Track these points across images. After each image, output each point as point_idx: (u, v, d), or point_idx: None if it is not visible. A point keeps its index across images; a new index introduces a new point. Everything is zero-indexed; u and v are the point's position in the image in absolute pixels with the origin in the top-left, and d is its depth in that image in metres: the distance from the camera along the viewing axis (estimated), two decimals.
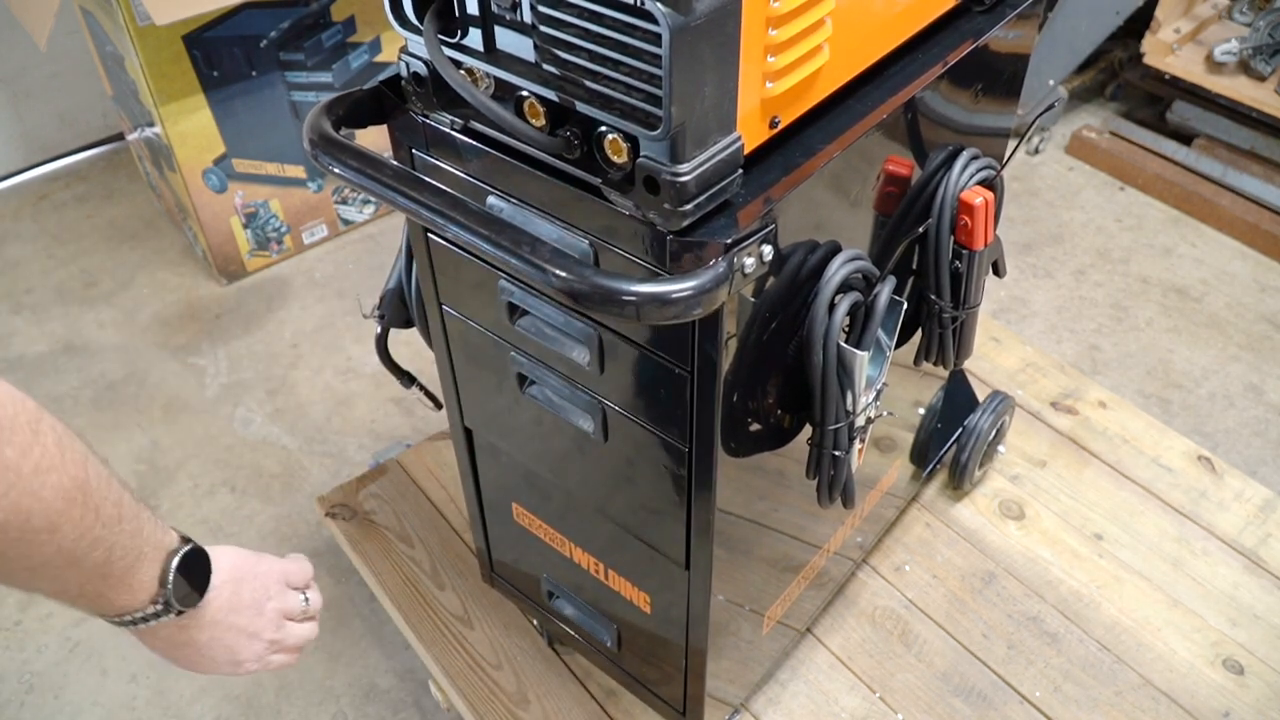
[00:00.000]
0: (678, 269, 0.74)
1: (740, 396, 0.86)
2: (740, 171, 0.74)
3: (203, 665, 0.79)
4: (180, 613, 0.73)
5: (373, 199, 2.20)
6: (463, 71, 0.78)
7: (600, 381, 0.92)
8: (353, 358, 2.18)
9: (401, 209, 0.78)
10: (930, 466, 1.51)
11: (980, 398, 1.54)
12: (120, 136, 2.78)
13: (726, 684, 1.21)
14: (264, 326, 2.28)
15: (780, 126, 0.78)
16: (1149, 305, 2.29)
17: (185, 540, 0.75)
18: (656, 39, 0.63)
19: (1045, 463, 1.63)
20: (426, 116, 0.87)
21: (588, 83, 0.70)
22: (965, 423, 1.51)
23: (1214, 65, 2.48)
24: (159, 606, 0.71)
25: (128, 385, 2.14)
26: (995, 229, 1.04)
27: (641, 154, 0.70)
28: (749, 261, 0.73)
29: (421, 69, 0.81)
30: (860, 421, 0.95)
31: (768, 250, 0.75)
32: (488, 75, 0.77)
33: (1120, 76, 2.89)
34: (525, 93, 0.75)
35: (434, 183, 0.78)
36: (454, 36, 0.77)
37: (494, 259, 0.73)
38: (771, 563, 1.13)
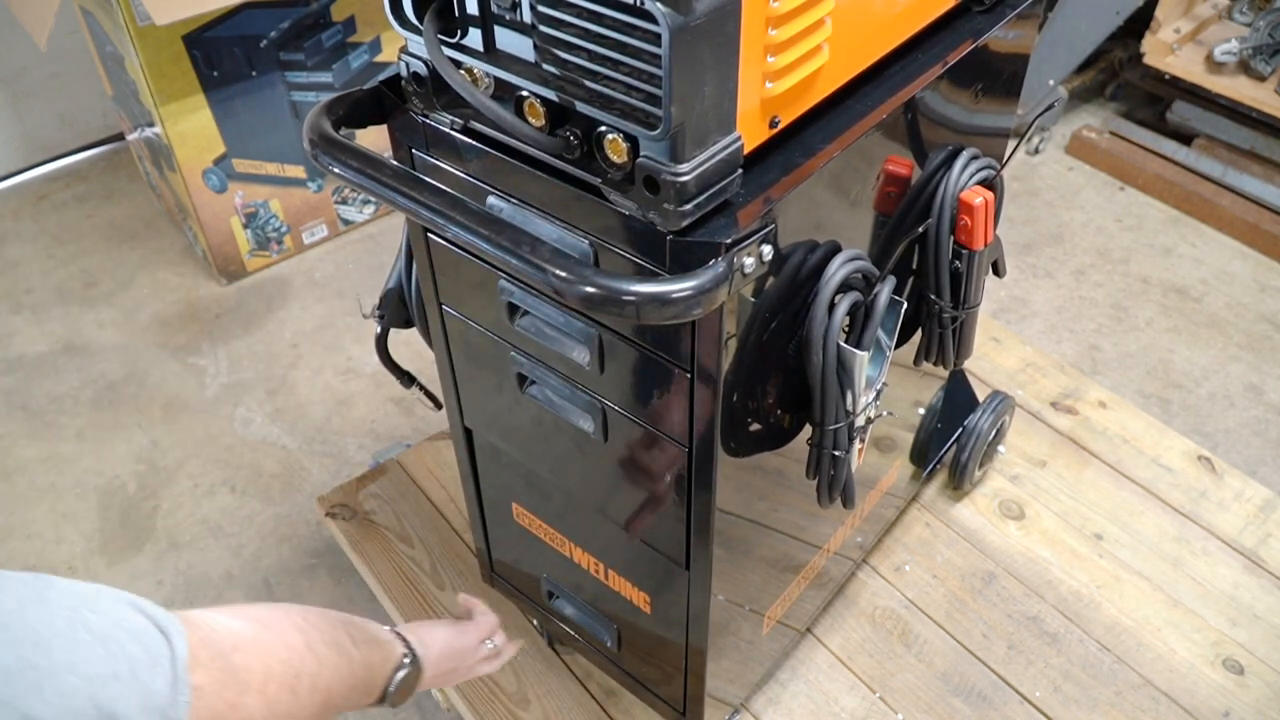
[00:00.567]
0: (677, 269, 0.74)
1: (740, 396, 0.86)
2: (740, 171, 0.74)
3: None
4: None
5: (373, 199, 2.21)
6: (462, 71, 0.78)
7: (600, 381, 0.92)
8: (353, 358, 2.18)
9: (401, 209, 0.78)
10: (930, 466, 1.51)
11: (980, 398, 1.54)
12: (120, 136, 2.78)
13: (726, 684, 1.21)
14: (264, 326, 2.28)
15: (780, 126, 0.78)
16: (1149, 305, 2.29)
17: (405, 655, 0.93)
18: (656, 39, 0.63)
19: (1045, 463, 1.63)
20: (426, 116, 0.87)
21: (588, 83, 0.70)
22: (965, 423, 1.51)
23: (1214, 65, 2.48)
24: (383, 703, 0.93)
25: (128, 385, 2.14)
26: (995, 229, 1.04)
27: (641, 154, 0.70)
28: (749, 261, 0.73)
29: (421, 69, 0.81)
30: (860, 421, 0.95)
31: (767, 250, 0.75)
32: (487, 75, 0.77)
33: (1120, 76, 2.89)
34: (525, 93, 0.75)
35: (434, 183, 0.78)
36: (454, 36, 0.77)
37: (494, 259, 0.73)
38: (771, 563, 1.13)
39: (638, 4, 0.63)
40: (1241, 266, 2.41)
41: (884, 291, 0.90)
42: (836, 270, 0.86)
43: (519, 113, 0.77)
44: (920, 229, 1.02)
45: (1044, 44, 2.59)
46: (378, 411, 2.06)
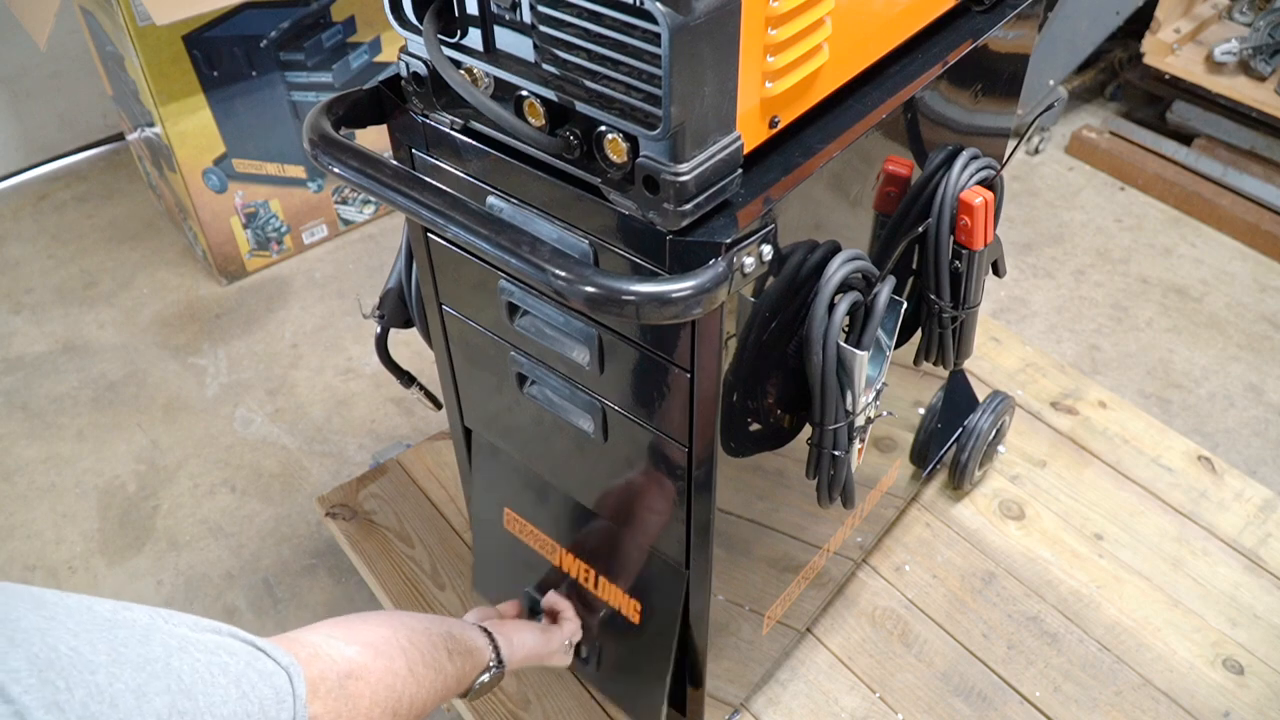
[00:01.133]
0: (677, 269, 0.74)
1: (740, 396, 0.86)
2: (740, 171, 0.74)
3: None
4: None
5: (373, 199, 2.20)
6: (462, 71, 0.78)
7: (600, 381, 0.92)
8: (353, 358, 2.18)
9: (401, 209, 0.78)
10: (930, 466, 1.51)
11: (980, 398, 1.54)
12: (120, 136, 2.78)
13: (726, 684, 1.21)
14: (264, 326, 2.28)
15: (780, 126, 0.78)
16: (1149, 305, 2.29)
17: (492, 661, 0.99)
18: (656, 39, 0.63)
19: (1045, 463, 1.63)
20: (426, 116, 0.87)
21: (587, 83, 0.70)
22: (965, 423, 1.51)
23: (1214, 65, 2.48)
24: (463, 698, 0.99)
25: (128, 385, 2.15)
26: (995, 229, 1.04)
27: (641, 154, 0.70)
28: (749, 261, 0.73)
29: (421, 69, 0.81)
30: (860, 421, 0.95)
31: (767, 250, 0.75)
32: (487, 75, 0.77)
33: (1120, 76, 2.89)
34: (525, 92, 0.75)
35: (434, 183, 0.78)
36: (454, 36, 0.77)
37: (494, 259, 0.73)
38: (771, 563, 1.13)
39: (638, 4, 0.63)
40: (1241, 266, 2.41)
41: (884, 291, 0.90)
42: (836, 270, 0.86)
43: (519, 113, 0.77)
44: (920, 229, 1.02)
45: (1044, 44, 2.59)
46: (378, 411, 2.06)
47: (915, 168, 0.97)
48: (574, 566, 1.15)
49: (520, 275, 0.72)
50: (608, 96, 0.70)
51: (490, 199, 0.87)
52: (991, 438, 1.52)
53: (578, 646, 1.16)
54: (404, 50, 0.82)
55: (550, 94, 0.73)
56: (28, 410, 2.09)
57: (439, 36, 0.76)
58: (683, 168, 0.68)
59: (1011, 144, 1.23)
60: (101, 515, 1.89)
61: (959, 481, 1.53)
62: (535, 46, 0.72)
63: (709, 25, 0.64)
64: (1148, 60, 2.57)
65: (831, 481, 0.98)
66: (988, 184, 1.02)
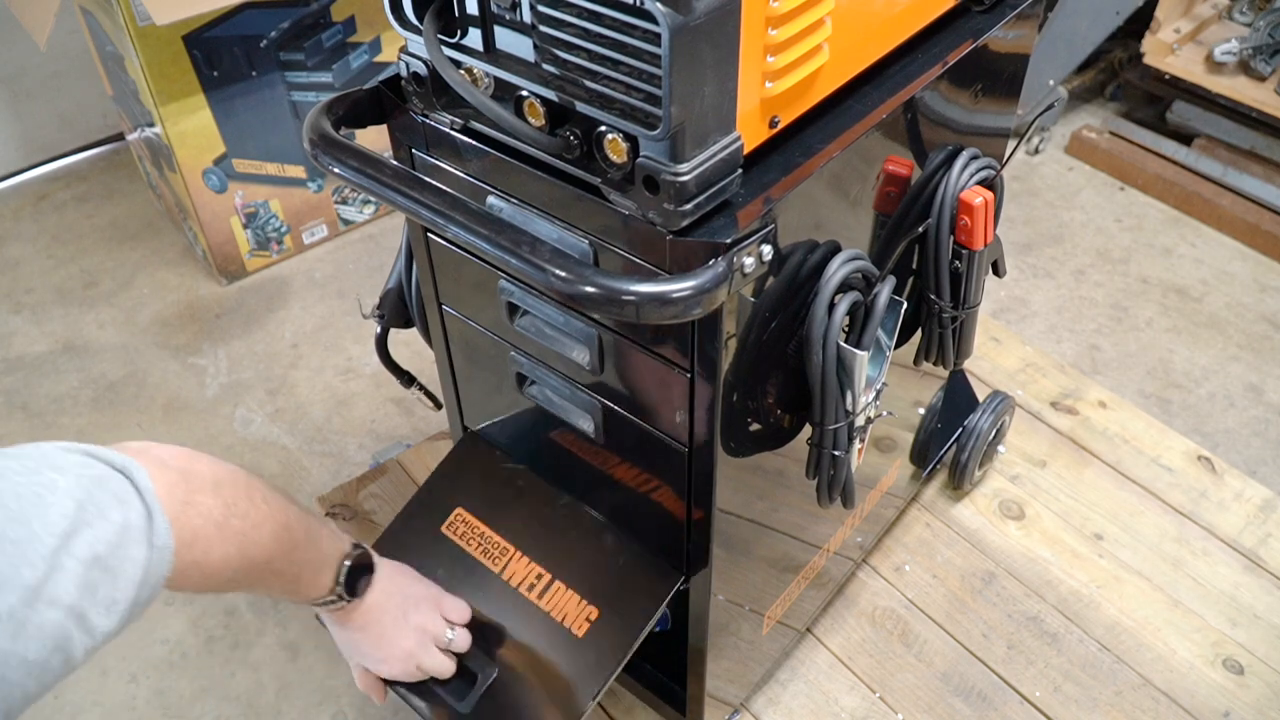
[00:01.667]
0: (677, 269, 0.74)
1: (740, 396, 0.86)
2: (740, 171, 0.74)
3: (357, 653, 1.01)
4: (348, 601, 0.95)
5: (373, 199, 2.21)
6: (462, 71, 0.78)
7: (600, 381, 0.92)
8: (353, 358, 2.18)
9: (401, 209, 0.78)
10: (930, 466, 1.51)
11: (980, 398, 1.54)
12: (120, 136, 2.78)
13: (726, 684, 1.21)
14: (264, 326, 2.28)
15: (780, 126, 0.78)
16: (1149, 305, 2.29)
17: (356, 547, 0.95)
18: (656, 39, 0.63)
19: (1045, 463, 1.63)
20: (426, 116, 0.87)
21: (587, 83, 0.70)
22: (965, 423, 1.51)
23: (1214, 65, 2.48)
24: (333, 597, 0.93)
25: (128, 385, 2.14)
26: (995, 229, 1.04)
27: (641, 154, 0.70)
28: (749, 261, 0.73)
29: (421, 69, 0.81)
30: (860, 421, 0.95)
31: (767, 250, 0.75)
32: (487, 75, 0.77)
33: (1120, 76, 2.89)
34: (525, 92, 0.75)
35: (434, 183, 0.78)
36: (454, 36, 0.77)
37: (494, 259, 0.73)
38: (771, 563, 1.13)
39: (637, 4, 0.63)
40: (1241, 266, 2.41)
41: (884, 291, 0.90)
42: (836, 270, 0.86)
43: (519, 113, 0.77)
44: (920, 229, 1.02)
45: (1044, 44, 2.59)
46: (378, 411, 2.06)
47: (915, 168, 0.97)
48: (524, 573, 1.06)
49: (520, 275, 0.72)
50: (608, 96, 0.70)
51: (490, 199, 0.87)
52: (991, 438, 1.52)
53: (450, 684, 1.03)
54: (404, 50, 0.82)
55: (550, 94, 0.73)
56: (28, 410, 2.09)
57: (439, 36, 0.77)
58: (683, 168, 0.68)
59: (1011, 144, 1.23)
60: None
61: (959, 481, 1.53)
62: (535, 46, 0.72)
63: (709, 25, 0.64)
64: (1148, 60, 2.57)
65: (831, 481, 0.98)
66: (988, 184, 1.02)
